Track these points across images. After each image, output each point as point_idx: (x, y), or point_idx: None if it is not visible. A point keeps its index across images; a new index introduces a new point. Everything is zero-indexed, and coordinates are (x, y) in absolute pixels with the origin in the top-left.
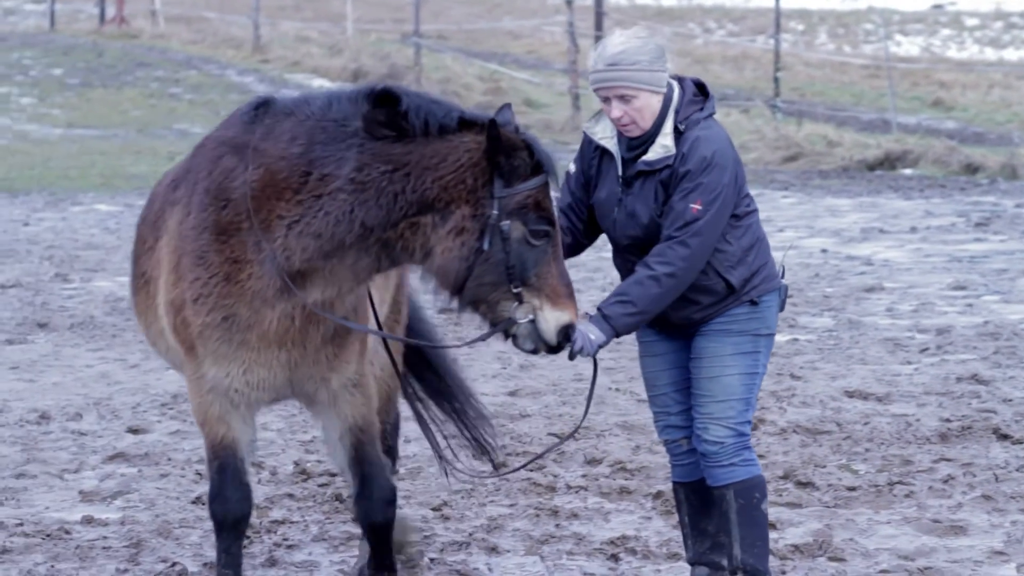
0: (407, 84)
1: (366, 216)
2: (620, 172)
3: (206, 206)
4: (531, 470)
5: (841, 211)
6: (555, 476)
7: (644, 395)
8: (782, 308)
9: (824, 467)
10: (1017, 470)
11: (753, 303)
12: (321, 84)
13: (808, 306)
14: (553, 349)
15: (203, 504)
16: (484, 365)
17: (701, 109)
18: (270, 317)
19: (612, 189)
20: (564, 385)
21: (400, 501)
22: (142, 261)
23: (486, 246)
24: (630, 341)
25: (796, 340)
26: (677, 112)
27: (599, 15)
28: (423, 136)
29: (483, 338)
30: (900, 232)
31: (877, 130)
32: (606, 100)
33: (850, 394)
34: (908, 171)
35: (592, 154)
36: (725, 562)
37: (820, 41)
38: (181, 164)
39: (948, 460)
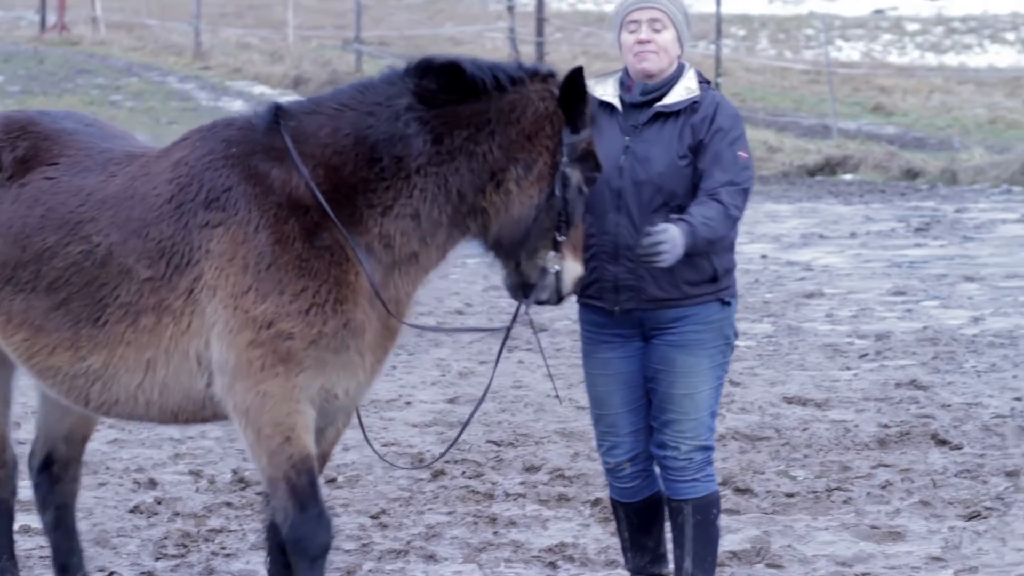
0: None
1: (461, 184)
2: (624, 122)
3: (282, 217)
4: (469, 477)
5: (781, 217)
6: (493, 483)
7: (583, 402)
8: None
9: (763, 473)
10: (955, 476)
11: (724, 303)
12: (262, 91)
13: (748, 312)
14: (559, 300)
15: (140, 513)
16: (423, 372)
17: (707, 82)
18: (373, 317)
19: (614, 141)
20: (503, 392)
21: (338, 509)
22: (130, 293)
23: (558, 191)
24: (570, 348)
25: (736, 346)
26: (693, 70)
27: (540, 21)
28: (497, 91)
29: (515, 320)
30: (840, 238)
31: (818, 135)
32: (634, 27)
33: (789, 400)
34: (848, 176)
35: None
36: (666, 572)
37: (761, 46)
38: (155, 192)
39: (886, 466)
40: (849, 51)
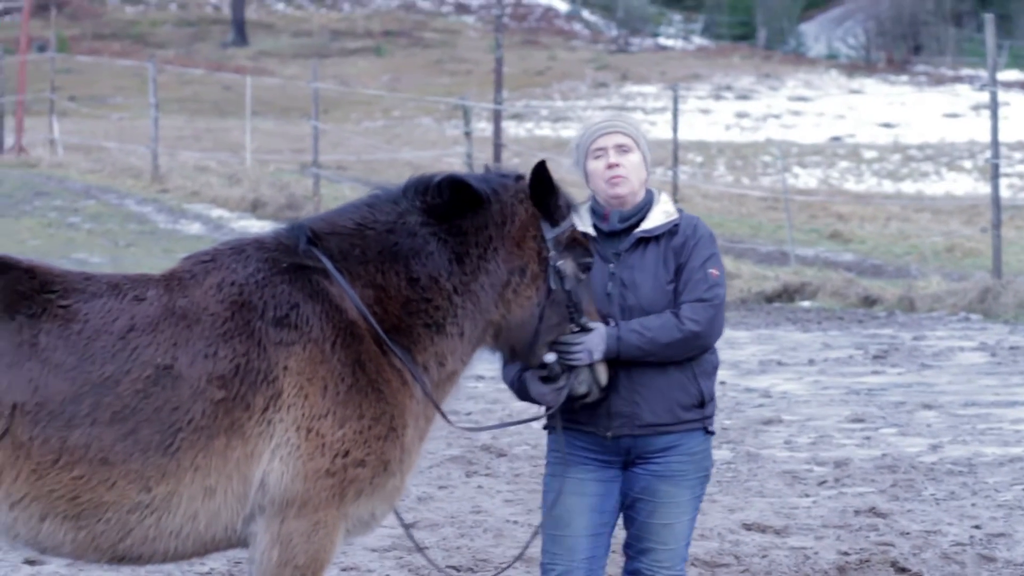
0: (306, 214)
1: (486, 302)
2: (605, 249)
3: (356, 337)
4: None
5: (739, 343)
6: None
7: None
8: None
9: None
10: None
11: (708, 432)
12: (220, 214)
13: None
14: (601, 390)
15: None
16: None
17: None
18: (419, 440)
19: (598, 269)
20: (462, 518)
21: None
22: (205, 416)
23: (553, 285)
24: (528, 474)
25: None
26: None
27: (497, 147)
28: (492, 203)
29: (550, 408)
30: (798, 364)
31: (775, 262)
32: (600, 153)
33: (748, 527)
34: (806, 303)
35: None
36: None
37: (718, 173)
38: (213, 313)
39: None
40: (806, 178)
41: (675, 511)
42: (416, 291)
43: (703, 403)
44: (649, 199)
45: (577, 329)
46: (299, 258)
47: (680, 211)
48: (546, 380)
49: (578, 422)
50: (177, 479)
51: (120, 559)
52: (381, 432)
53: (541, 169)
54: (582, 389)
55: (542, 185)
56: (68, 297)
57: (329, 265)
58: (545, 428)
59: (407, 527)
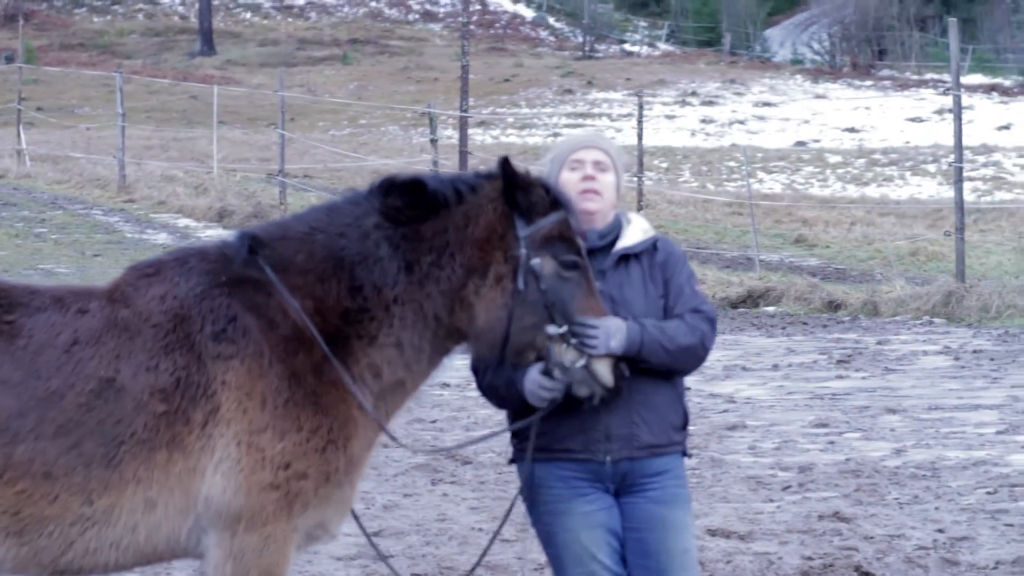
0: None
1: (436, 309)
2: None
3: (291, 350)
4: None
5: None
6: None
7: (507, 534)
8: None
9: None
10: None
11: (687, 455)
12: (187, 224)
13: None
14: (611, 391)
15: None
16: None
17: None
18: (367, 449)
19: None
20: (427, 526)
21: None
22: (147, 429)
23: (521, 285)
24: (493, 481)
25: None
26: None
27: (463, 154)
28: (456, 204)
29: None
30: (762, 369)
31: (740, 267)
32: (576, 166)
33: (712, 532)
34: (771, 309)
35: None
36: None
37: (684, 179)
38: (147, 330)
39: None
40: (771, 183)
41: (686, 535)
42: (356, 301)
43: (685, 425)
44: (619, 221)
45: (560, 335)
46: (242, 268)
47: (658, 236)
48: (546, 374)
49: (571, 450)
50: (119, 491)
51: (61, 572)
52: (319, 444)
53: (504, 165)
54: (584, 392)
55: (508, 181)
56: (12, 312)
57: (270, 275)
58: (512, 461)
59: (370, 536)
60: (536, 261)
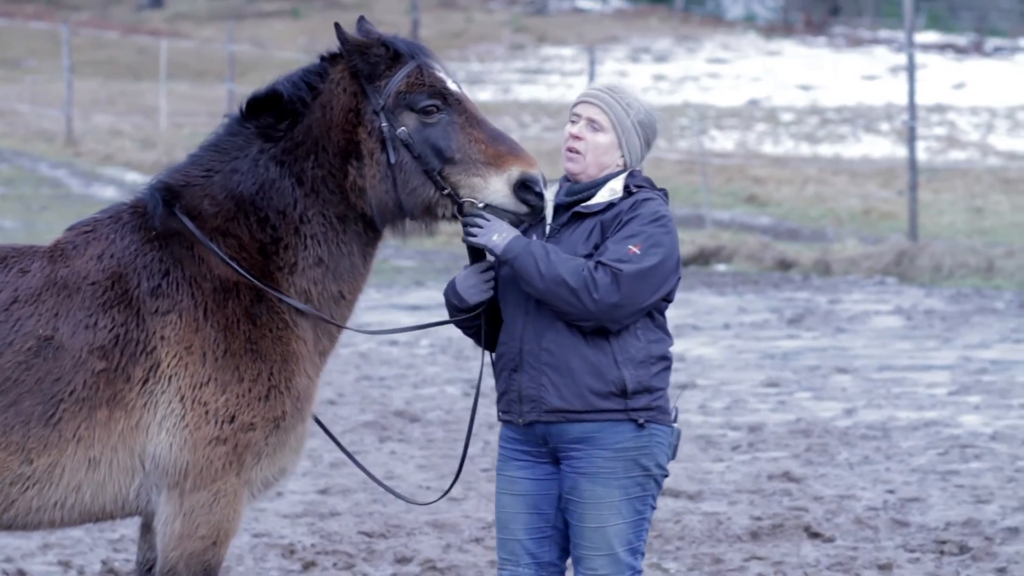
0: None
1: (337, 209)
2: (550, 220)
3: (221, 300)
4: (340, 568)
5: None
6: (365, 575)
7: (456, 493)
8: (674, 455)
9: None
10: (828, 568)
11: (639, 425)
12: (134, 178)
13: None
14: (530, 212)
15: None
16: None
17: (659, 191)
18: (315, 377)
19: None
20: (374, 484)
21: None
22: (86, 387)
23: (392, 158)
24: (442, 440)
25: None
26: (632, 176)
27: None
28: (313, 99)
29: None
30: (713, 328)
31: (691, 226)
32: (575, 119)
33: (661, 492)
34: (722, 267)
35: None
36: None
37: None
38: (85, 290)
39: (759, 558)
40: (723, 141)
41: (605, 513)
42: (267, 232)
43: (625, 392)
44: (611, 176)
45: (450, 181)
46: (165, 221)
47: (645, 191)
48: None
49: (502, 411)
50: (59, 450)
51: (6, 527)
52: (262, 391)
53: (337, 31)
54: (528, 210)
55: (345, 49)
56: None
57: (189, 224)
58: (500, 420)
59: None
60: (401, 128)
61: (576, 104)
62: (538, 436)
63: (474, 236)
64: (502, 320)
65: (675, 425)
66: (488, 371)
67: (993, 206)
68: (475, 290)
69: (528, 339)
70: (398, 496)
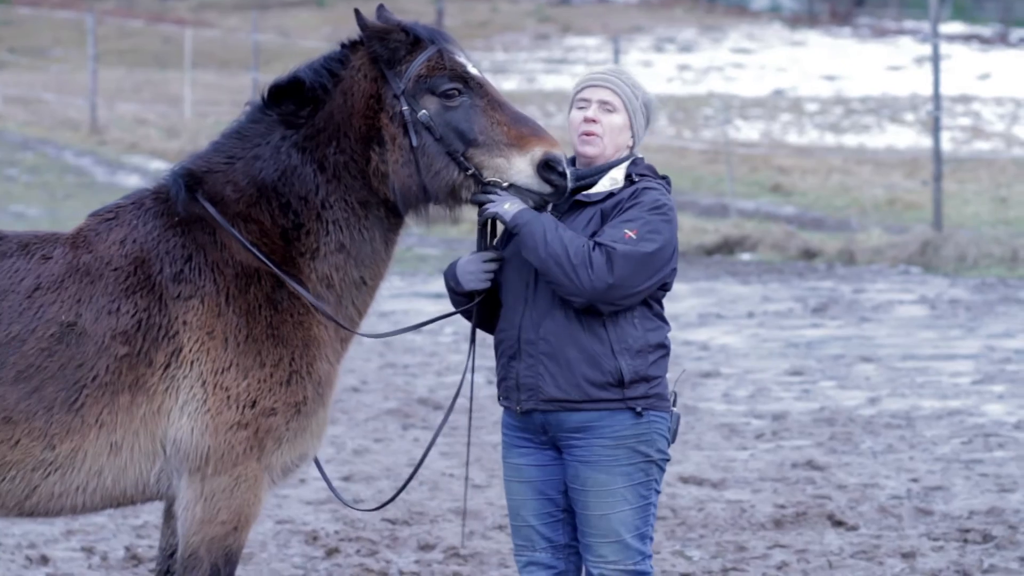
0: None
1: (360, 195)
2: (554, 210)
3: (243, 286)
4: (364, 555)
5: (678, 296)
6: (388, 562)
7: (479, 480)
8: (673, 439)
9: (658, 553)
10: (851, 557)
11: (637, 413)
12: (159, 167)
13: None
14: (554, 192)
15: None
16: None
17: (661, 179)
18: (336, 364)
19: None
20: (398, 470)
21: None
22: (109, 372)
23: (415, 142)
24: (465, 427)
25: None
26: (635, 164)
27: None
28: (335, 86)
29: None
30: (737, 317)
31: (716, 215)
32: (583, 105)
33: (685, 480)
34: (746, 256)
35: None
36: None
37: (660, 125)
38: (105, 276)
39: (782, 546)
40: (748, 131)
41: (608, 500)
42: (289, 218)
43: (622, 382)
44: (615, 163)
45: (474, 163)
46: (185, 207)
47: (647, 179)
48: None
49: (501, 397)
50: (82, 435)
51: (29, 514)
52: (283, 377)
53: (357, 17)
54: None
55: (366, 35)
56: None
57: (211, 210)
58: (501, 404)
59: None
60: (422, 112)
61: (582, 89)
62: (537, 424)
63: (487, 204)
64: (500, 305)
65: (674, 410)
66: (490, 357)
67: (1017, 196)
68: (472, 278)
69: (526, 327)
70: (342, 500)
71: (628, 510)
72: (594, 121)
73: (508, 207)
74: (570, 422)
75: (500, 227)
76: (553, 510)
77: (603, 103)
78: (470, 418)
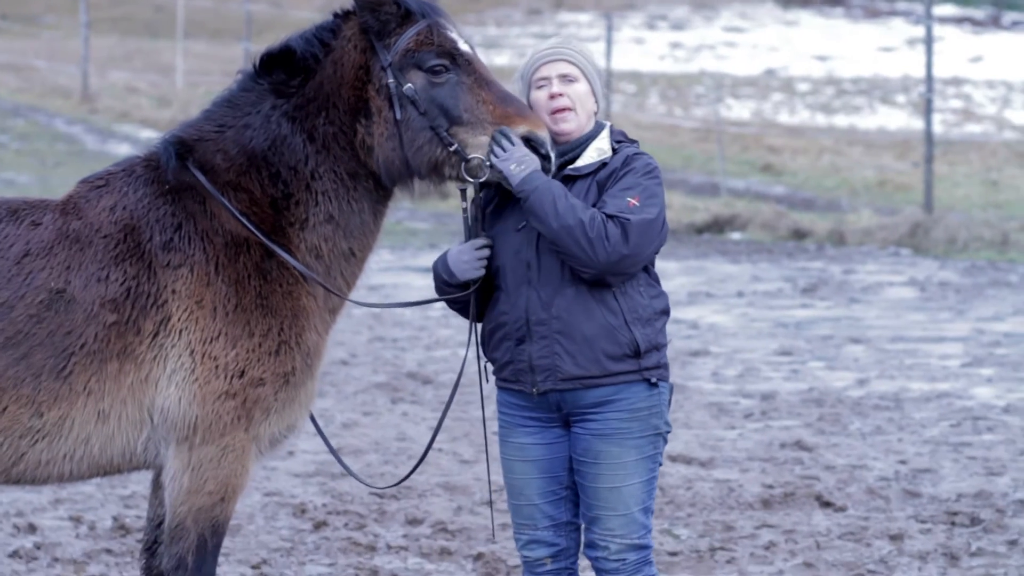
0: None
1: (348, 166)
2: None
3: (232, 255)
4: (352, 529)
5: (668, 274)
6: (376, 536)
7: (466, 455)
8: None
9: None
10: (839, 537)
11: (651, 384)
12: (149, 136)
13: None
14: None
15: (20, 558)
16: (305, 423)
17: (635, 143)
18: (324, 335)
19: (518, 208)
20: (386, 444)
21: (220, 558)
22: (97, 340)
23: (399, 115)
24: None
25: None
26: (613, 132)
27: None
28: (325, 56)
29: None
30: (727, 296)
31: (706, 194)
32: (543, 83)
33: (673, 459)
34: (736, 235)
35: (488, 198)
36: None
37: (651, 103)
38: (96, 243)
39: (770, 526)
40: (739, 110)
41: (621, 473)
42: (279, 187)
43: (638, 353)
44: (592, 134)
45: (458, 138)
46: (178, 175)
47: (626, 145)
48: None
49: (506, 379)
50: (70, 403)
51: (15, 482)
52: (272, 347)
53: None
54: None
55: (359, 6)
56: None
57: (202, 178)
58: (498, 385)
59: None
60: (408, 86)
61: (537, 68)
62: (551, 403)
63: (497, 158)
64: (490, 292)
65: (671, 382)
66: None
67: (1008, 179)
68: (468, 267)
69: (534, 309)
70: (357, 478)
71: (638, 483)
72: (561, 95)
73: (515, 169)
74: (588, 398)
75: (487, 212)
76: (557, 488)
77: (563, 76)
78: (483, 417)
